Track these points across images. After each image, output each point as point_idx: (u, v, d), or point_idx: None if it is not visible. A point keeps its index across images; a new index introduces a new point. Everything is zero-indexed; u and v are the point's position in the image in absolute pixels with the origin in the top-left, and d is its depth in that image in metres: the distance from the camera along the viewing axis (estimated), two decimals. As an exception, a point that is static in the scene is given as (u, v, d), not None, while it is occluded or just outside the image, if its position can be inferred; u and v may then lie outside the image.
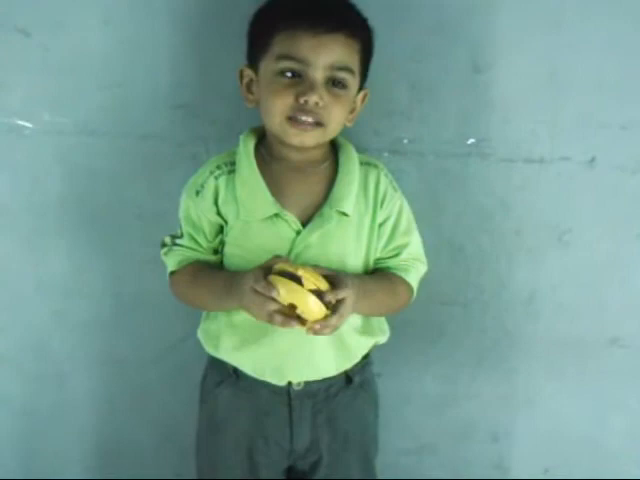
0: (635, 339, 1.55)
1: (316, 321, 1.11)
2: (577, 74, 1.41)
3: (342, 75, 1.19)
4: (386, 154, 1.46)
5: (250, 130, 1.29)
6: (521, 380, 1.60)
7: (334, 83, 1.19)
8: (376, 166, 1.31)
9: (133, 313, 1.59)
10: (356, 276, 1.23)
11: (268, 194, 1.23)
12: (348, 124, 1.28)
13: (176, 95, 1.45)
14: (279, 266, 1.13)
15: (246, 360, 1.30)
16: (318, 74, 1.17)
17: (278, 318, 1.11)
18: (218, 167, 1.27)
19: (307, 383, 1.31)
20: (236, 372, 1.32)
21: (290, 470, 1.39)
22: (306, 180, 1.27)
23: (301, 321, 1.12)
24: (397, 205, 1.30)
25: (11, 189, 1.52)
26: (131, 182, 1.51)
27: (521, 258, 1.52)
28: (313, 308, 1.10)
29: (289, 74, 1.18)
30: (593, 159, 1.44)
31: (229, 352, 1.31)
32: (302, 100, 1.17)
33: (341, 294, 1.13)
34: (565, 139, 1.44)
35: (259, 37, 1.22)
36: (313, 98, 1.17)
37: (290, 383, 1.30)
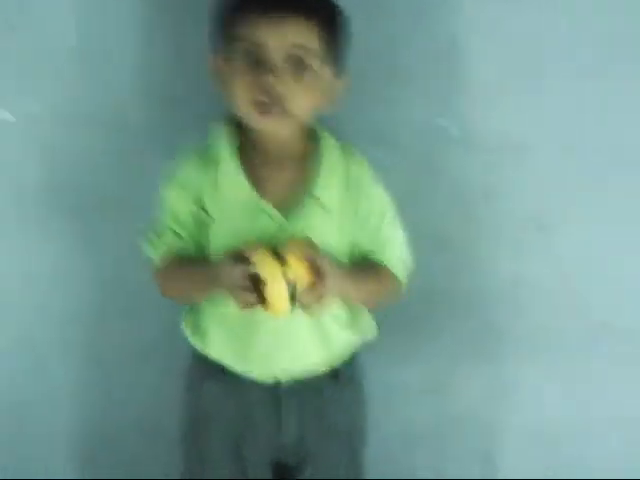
0: (620, 325, 1.55)
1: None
2: (557, 62, 1.40)
3: (299, 53, 1.18)
4: (365, 143, 1.43)
5: (226, 119, 1.29)
6: (507, 369, 1.60)
7: (296, 65, 1.18)
8: (357, 158, 1.30)
9: (117, 304, 1.59)
10: (345, 270, 1.24)
11: (247, 184, 1.23)
12: (324, 107, 1.27)
13: (154, 85, 1.45)
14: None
15: (232, 354, 1.30)
16: (276, 55, 1.17)
17: (240, 293, 1.14)
18: (193, 158, 1.28)
19: (294, 378, 1.30)
20: (222, 367, 1.32)
21: (277, 465, 1.38)
22: (286, 170, 1.26)
23: (261, 300, 1.12)
24: (380, 196, 1.30)
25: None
26: (111, 172, 1.50)
27: (504, 247, 1.52)
28: (279, 296, 1.11)
29: (248, 58, 1.18)
30: (573, 147, 1.44)
31: (215, 346, 1.31)
32: (261, 81, 1.17)
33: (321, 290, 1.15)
34: (546, 127, 1.44)
35: (218, 23, 1.23)
36: (270, 78, 1.17)
37: (277, 377, 1.30)
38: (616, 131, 1.43)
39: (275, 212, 1.23)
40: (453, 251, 1.53)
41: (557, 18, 1.38)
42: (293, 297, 1.12)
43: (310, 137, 1.29)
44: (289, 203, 1.24)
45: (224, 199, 1.24)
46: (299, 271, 1.11)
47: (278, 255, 1.12)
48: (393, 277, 1.32)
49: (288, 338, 1.26)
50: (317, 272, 1.14)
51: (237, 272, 1.14)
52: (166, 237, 1.29)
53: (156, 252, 1.30)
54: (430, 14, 1.39)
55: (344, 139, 1.39)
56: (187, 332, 1.34)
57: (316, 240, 1.22)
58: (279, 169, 1.26)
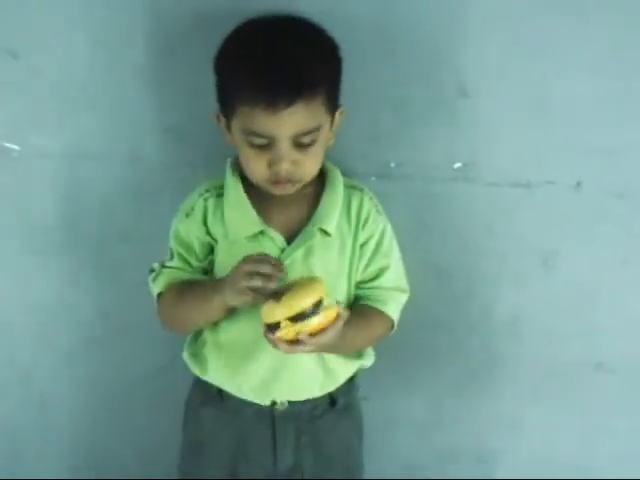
0: (620, 364, 1.56)
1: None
2: (563, 99, 1.40)
3: (309, 138, 1.19)
4: (373, 178, 1.46)
5: (237, 156, 1.29)
6: (507, 403, 1.61)
7: (304, 142, 1.19)
8: (361, 189, 1.33)
9: (119, 336, 1.60)
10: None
11: (253, 213, 1.26)
12: (330, 143, 1.28)
13: (164, 119, 1.45)
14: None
15: (231, 379, 1.31)
16: (284, 144, 1.18)
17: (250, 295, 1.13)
18: (207, 190, 1.30)
19: (291, 404, 1.32)
20: (220, 393, 1.33)
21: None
22: (291, 201, 1.28)
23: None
24: (380, 227, 1.32)
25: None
26: (119, 205, 1.51)
27: (507, 282, 1.52)
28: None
29: (257, 144, 1.19)
30: (579, 184, 1.44)
31: (215, 372, 1.32)
32: (274, 169, 1.19)
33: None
34: (551, 163, 1.44)
35: (223, 97, 1.24)
36: (284, 167, 1.18)
37: (274, 403, 1.31)
38: (622, 168, 1.44)
39: (278, 236, 1.26)
40: (455, 284, 1.54)
41: (563, 62, 1.39)
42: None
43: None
44: (293, 230, 1.28)
45: (231, 227, 1.27)
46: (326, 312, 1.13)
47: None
48: (386, 319, 1.33)
49: (287, 363, 1.27)
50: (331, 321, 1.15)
51: (249, 283, 1.13)
52: (171, 267, 1.30)
53: (162, 281, 1.30)
54: (438, 57, 1.39)
55: (352, 172, 1.42)
56: (187, 360, 1.36)
57: (317, 267, 1.26)
58: (284, 199, 1.28)
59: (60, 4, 1.39)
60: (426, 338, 1.57)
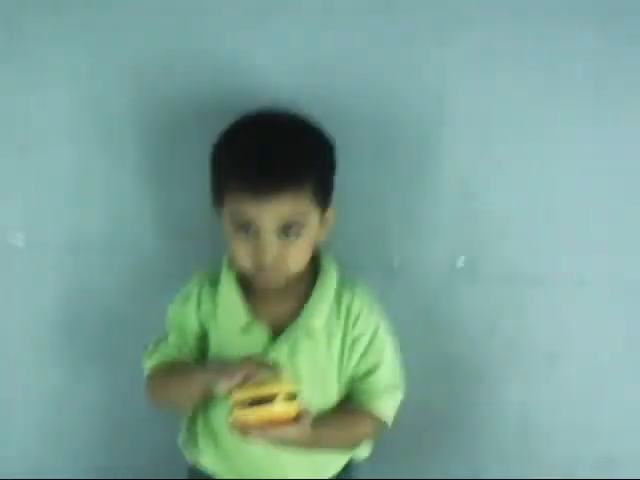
0: (629, 459, 1.54)
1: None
2: (565, 197, 1.42)
3: (293, 231, 1.20)
4: (377, 273, 1.46)
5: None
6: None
7: (290, 231, 1.20)
8: (352, 287, 1.32)
9: (125, 430, 1.59)
10: (318, 426, 1.20)
11: (242, 305, 1.27)
12: (320, 238, 1.29)
13: (165, 212, 1.48)
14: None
15: (222, 468, 1.31)
16: (268, 234, 1.18)
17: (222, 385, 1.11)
18: (202, 280, 1.32)
19: None
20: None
21: None
22: (282, 295, 1.29)
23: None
24: (372, 326, 1.30)
25: (4, 304, 1.53)
26: (125, 299, 1.52)
27: (512, 378, 1.51)
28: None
29: (243, 231, 1.20)
30: (582, 281, 1.45)
31: (207, 460, 1.32)
32: (258, 261, 1.20)
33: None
34: (554, 260, 1.45)
35: (213, 189, 1.26)
36: (267, 259, 1.19)
37: None
38: (626, 265, 1.45)
39: (265, 331, 1.26)
40: (462, 379, 1.53)
41: (564, 163, 1.41)
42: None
43: (312, 263, 1.31)
44: (281, 325, 1.28)
45: (221, 318, 1.28)
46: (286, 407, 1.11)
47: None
48: (374, 418, 1.30)
49: (277, 454, 1.25)
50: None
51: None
52: (169, 348, 1.30)
53: (154, 359, 1.30)
54: (437, 154, 1.41)
55: (356, 267, 1.42)
56: (182, 446, 1.36)
57: (303, 363, 1.26)
58: (276, 293, 1.28)
59: (62, 103, 1.43)
60: (432, 434, 1.55)
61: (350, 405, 1.31)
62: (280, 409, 1.10)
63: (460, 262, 1.46)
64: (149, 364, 1.31)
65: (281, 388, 1.11)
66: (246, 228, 1.19)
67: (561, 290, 1.46)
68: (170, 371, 1.28)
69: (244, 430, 1.11)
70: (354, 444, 1.33)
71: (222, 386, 1.12)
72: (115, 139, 1.44)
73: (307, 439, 1.17)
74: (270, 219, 1.17)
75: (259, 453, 1.25)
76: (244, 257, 1.22)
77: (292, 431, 1.13)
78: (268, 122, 1.24)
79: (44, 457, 1.62)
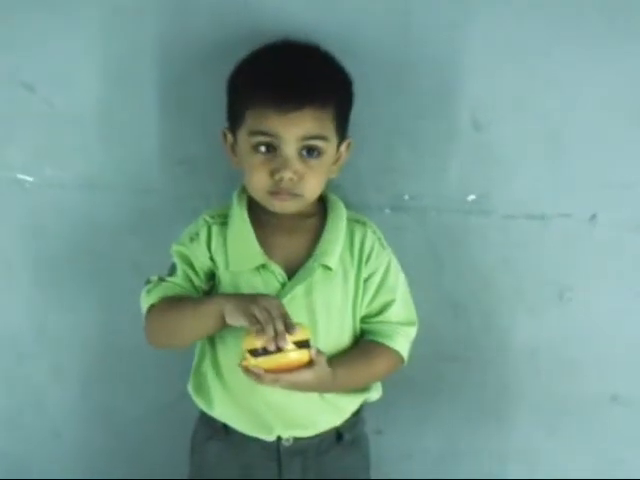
0: (636, 397, 1.54)
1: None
2: (577, 132, 1.40)
3: (315, 143, 1.20)
4: (387, 210, 1.46)
5: (243, 186, 1.31)
6: (522, 436, 1.59)
7: (309, 152, 1.20)
8: (364, 223, 1.32)
9: (131, 367, 1.59)
10: (336, 366, 1.22)
11: (257, 245, 1.26)
12: (333, 175, 1.29)
13: (177, 150, 1.46)
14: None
15: (235, 414, 1.30)
16: (290, 148, 1.19)
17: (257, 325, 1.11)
18: (212, 217, 1.30)
19: (296, 439, 1.30)
20: (225, 427, 1.32)
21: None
22: (294, 234, 1.29)
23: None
24: (384, 262, 1.31)
25: (11, 242, 1.53)
26: (131, 236, 1.51)
27: (522, 315, 1.51)
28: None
29: (263, 148, 1.20)
30: (594, 216, 1.44)
31: (219, 406, 1.31)
32: (277, 177, 1.19)
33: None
34: (566, 196, 1.44)
35: (233, 108, 1.26)
36: (287, 175, 1.19)
37: (279, 438, 1.30)
38: (637, 201, 1.43)
39: (280, 271, 1.25)
40: (471, 316, 1.53)
41: (577, 94, 1.39)
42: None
43: (320, 202, 1.31)
44: (295, 264, 1.27)
45: (233, 258, 1.27)
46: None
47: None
48: (393, 355, 1.31)
49: (291, 398, 1.25)
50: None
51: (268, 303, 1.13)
52: (177, 282, 1.28)
53: (157, 293, 1.27)
54: (450, 89, 1.39)
55: (366, 205, 1.42)
56: (192, 393, 1.35)
57: (319, 302, 1.26)
58: (287, 232, 1.28)
59: (73, 38, 1.41)
60: (441, 371, 1.56)
61: (366, 343, 1.31)
62: (293, 356, 1.11)
63: (471, 198, 1.45)
64: (148, 301, 1.27)
65: (294, 337, 1.11)
66: (266, 139, 1.19)
67: (572, 226, 1.45)
68: (174, 305, 1.24)
69: (258, 376, 1.13)
70: (372, 381, 1.34)
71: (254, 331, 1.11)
72: (126, 77, 1.43)
73: (325, 381, 1.18)
74: (293, 130, 1.17)
75: (272, 396, 1.25)
76: (260, 179, 1.21)
77: (307, 375, 1.14)
78: (292, 48, 1.25)
79: (43, 392, 1.64)
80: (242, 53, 1.26)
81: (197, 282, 1.29)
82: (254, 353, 1.11)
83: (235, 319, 1.14)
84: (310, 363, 1.14)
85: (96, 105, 1.44)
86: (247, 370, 1.13)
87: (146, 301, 1.28)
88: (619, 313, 1.49)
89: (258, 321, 1.10)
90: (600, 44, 1.35)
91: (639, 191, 1.43)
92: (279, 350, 1.10)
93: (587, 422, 1.57)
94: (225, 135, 1.28)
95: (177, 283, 1.28)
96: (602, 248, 1.46)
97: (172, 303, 1.25)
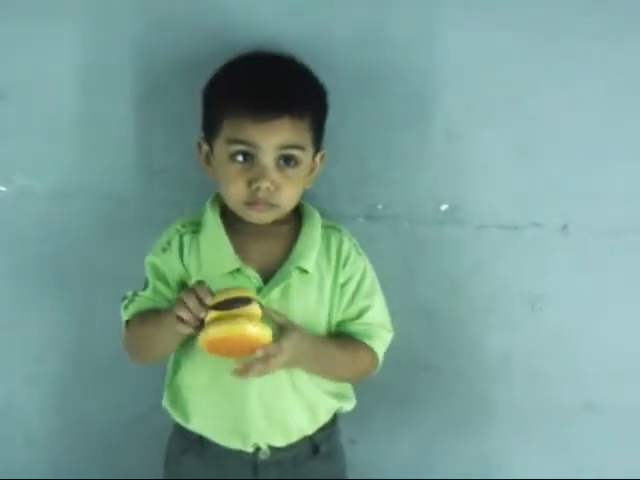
0: (608, 404, 1.55)
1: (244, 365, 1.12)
2: (548, 141, 1.42)
3: (293, 152, 1.21)
4: (361, 219, 1.46)
5: (217, 193, 1.31)
6: (496, 444, 1.60)
7: (286, 161, 1.21)
8: (339, 230, 1.33)
9: (105, 377, 1.59)
10: (314, 336, 1.24)
11: (231, 250, 1.26)
12: (308, 186, 1.30)
13: (151, 160, 1.46)
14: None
15: (212, 424, 1.29)
16: (268, 157, 1.19)
17: (186, 323, 1.11)
18: (183, 226, 1.30)
19: (273, 452, 1.30)
20: (201, 440, 1.31)
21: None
22: (269, 239, 1.29)
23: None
24: (360, 268, 1.31)
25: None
26: (105, 246, 1.51)
27: (494, 324, 1.52)
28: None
29: (240, 157, 1.20)
30: (565, 226, 1.45)
31: (195, 418, 1.30)
32: (254, 186, 1.19)
33: (272, 350, 1.13)
34: (538, 206, 1.45)
35: (209, 118, 1.26)
36: (264, 184, 1.19)
37: (257, 451, 1.29)
38: (608, 210, 1.45)
39: (256, 275, 1.25)
40: (444, 325, 1.53)
41: (548, 104, 1.40)
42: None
43: (295, 211, 1.31)
44: (270, 269, 1.27)
45: (206, 263, 1.26)
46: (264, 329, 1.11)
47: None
48: (371, 354, 1.31)
49: (268, 405, 1.26)
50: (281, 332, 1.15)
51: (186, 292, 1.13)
52: (148, 296, 1.28)
53: (132, 309, 1.28)
54: (423, 99, 1.41)
55: (340, 214, 1.43)
56: (168, 407, 1.34)
57: (295, 306, 1.25)
58: (262, 237, 1.29)
59: (48, 47, 1.40)
60: (414, 380, 1.56)
61: (347, 337, 1.30)
62: (253, 331, 1.10)
63: (444, 207, 1.46)
64: (125, 317, 1.29)
65: (239, 292, 1.11)
66: (244, 148, 1.19)
67: (544, 236, 1.46)
68: (144, 320, 1.26)
69: (241, 372, 1.12)
70: (352, 372, 1.32)
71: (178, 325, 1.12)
72: (100, 85, 1.43)
73: (302, 347, 1.18)
74: (271, 141, 1.18)
75: (252, 400, 1.25)
76: (237, 189, 1.21)
77: (284, 344, 1.14)
78: (267, 58, 1.26)
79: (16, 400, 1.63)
80: (217, 64, 1.27)
81: (169, 294, 1.28)
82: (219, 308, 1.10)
83: (174, 325, 1.14)
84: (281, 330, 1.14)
85: (69, 114, 1.44)
86: (207, 347, 1.12)
87: (123, 318, 1.29)
88: (591, 322, 1.51)
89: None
90: (571, 54, 1.37)
91: (610, 200, 1.44)
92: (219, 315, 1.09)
93: (561, 430, 1.58)
94: (200, 145, 1.28)
95: (149, 297, 1.28)
96: (574, 257, 1.47)
97: (142, 318, 1.26)
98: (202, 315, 1.10)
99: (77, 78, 1.42)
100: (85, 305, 1.56)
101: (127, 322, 1.29)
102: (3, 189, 1.47)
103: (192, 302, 1.10)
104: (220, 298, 1.10)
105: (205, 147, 1.27)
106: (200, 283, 1.13)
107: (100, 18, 1.39)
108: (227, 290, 1.12)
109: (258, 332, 1.10)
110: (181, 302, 1.11)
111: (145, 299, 1.28)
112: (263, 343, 1.11)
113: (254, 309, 1.11)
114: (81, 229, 1.50)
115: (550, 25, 1.36)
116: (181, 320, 1.12)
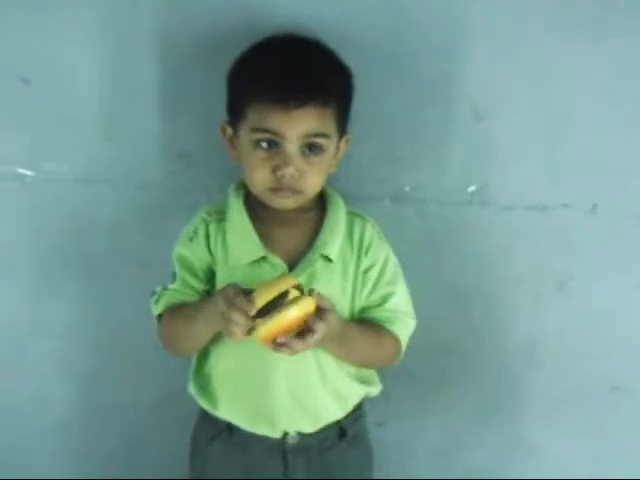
0: (637, 386, 1.54)
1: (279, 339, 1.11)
2: (577, 121, 1.40)
3: (317, 141, 1.20)
4: (387, 202, 1.46)
5: (241, 180, 1.31)
6: (524, 427, 1.60)
7: (310, 148, 1.20)
8: (363, 217, 1.33)
9: (132, 361, 1.59)
10: (342, 319, 1.23)
11: (256, 238, 1.25)
12: (332, 170, 1.29)
13: (176, 144, 1.45)
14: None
15: (240, 410, 1.30)
16: (292, 146, 1.18)
17: (237, 333, 1.11)
18: (209, 214, 1.30)
19: (301, 437, 1.30)
20: (229, 427, 1.32)
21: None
22: (293, 227, 1.29)
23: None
24: (383, 255, 1.31)
25: (12, 237, 1.52)
26: (131, 230, 1.51)
27: (523, 305, 1.51)
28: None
29: (264, 144, 1.20)
30: (594, 206, 1.44)
31: (225, 406, 1.30)
32: (279, 173, 1.19)
33: (316, 326, 1.12)
34: (566, 186, 1.44)
35: (234, 103, 1.25)
36: (289, 171, 1.19)
37: (285, 436, 1.30)
38: (637, 191, 1.43)
39: (280, 262, 1.25)
40: (471, 308, 1.53)
41: (577, 83, 1.39)
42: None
43: (319, 197, 1.31)
44: (294, 257, 1.27)
45: (232, 252, 1.26)
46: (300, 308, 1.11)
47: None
48: (395, 340, 1.30)
49: (296, 389, 1.26)
50: (318, 313, 1.14)
51: (231, 290, 1.13)
52: (177, 288, 1.29)
53: (163, 303, 1.29)
54: (450, 80, 1.39)
55: (367, 196, 1.43)
56: (194, 393, 1.34)
57: (321, 291, 1.21)
58: (287, 225, 1.28)
59: (73, 33, 1.40)
60: (442, 363, 1.56)
61: (371, 323, 1.30)
62: (296, 312, 1.10)
63: (471, 189, 1.45)
64: (159, 307, 1.29)
65: (285, 284, 1.11)
66: (268, 136, 1.18)
67: (573, 216, 1.45)
68: (177, 314, 1.26)
69: (275, 346, 1.11)
70: (375, 360, 1.32)
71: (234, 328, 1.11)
72: (125, 70, 1.42)
73: (337, 331, 1.17)
74: (295, 127, 1.17)
75: (279, 392, 1.26)
76: (261, 175, 1.21)
77: (320, 327, 1.12)
78: (292, 43, 1.25)
79: (49, 385, 1.64)
80: (240, 47, 1.26)
81: (197, 285, 1.29)
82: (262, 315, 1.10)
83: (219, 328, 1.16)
84: (317, 311, 1.13)
85: (95, 100, 1.44)
86: (262, 343, 1.12)
87: (155, 312, 1.30)
88: (620, 303, 1.50)
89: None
90: (599, 33, 1.36)
91: (639, 180, 1.43)
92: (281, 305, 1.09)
93: (588, 412, 1.57)
94: (224, 129, 1.28)
95: (178, 289, 1.29)
96: (603, 238, 1.46)
97: (174, 313, 1.27)
98: (250, 325, 1.10)
99: (101, 63, 1.42)
100: (113, 291, 1.56)
101: (159, 317, 1.30)
102: (30, 173, 1.47)
103: (237, 317, 1.10)
104: (262, 301, 1.10)
105: (229, 131, 1.27)
106: (235, 290, 1.13)
107: (122, 4, 1.38)
108: (265, 286, 1.12)
109: (302, 311, 1.11)
110: (227, 317, 1.11)
111: (175, 292, 1.29)
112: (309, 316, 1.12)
113: (294, 296, 1.11)
114: (107, 214, 1.50)
115: (579, 4, 1.34)
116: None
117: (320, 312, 1.13)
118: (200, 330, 1.23)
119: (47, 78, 1.42)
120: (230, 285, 1.15)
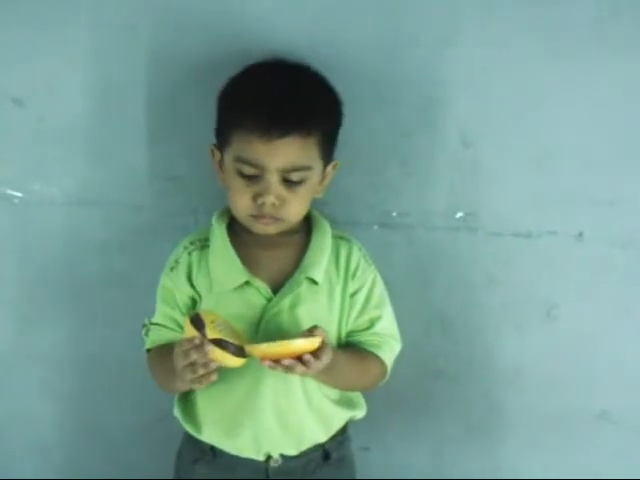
0: (623, 414, 1.55)
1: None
2: (563, 149, 1.41)
3: (298, 175, 1.20)
4: (376, 227, 1.46)
5: (226, 207, 1.31)
6: (509, 453, 1.60)
7: (293, 179, 1.20)
8: (349, 240, 1.33)
9: (120, 384, 1.59)
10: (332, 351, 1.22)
11: (238, 263, 1.25)
12: (318, 195, 1.29)
13: (166, 167, 1.46)
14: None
15: (225, 435, 1.29)
16: (273, 177, 1.19)
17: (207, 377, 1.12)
18: (191, 243, 1.31)
19: (285, 460, 1.30)
20: (213, 450, 1.31)
21: None
22: (278, 250, 1.29)
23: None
24: (370, 278, 1.31)
25: (2, 258, 1.52)
26: (120, 253, 1.51)
27: (509, 332, 1.52)
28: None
29: (246, 174, 1.20)
30: (581, 234, 1.45)
31: (209, 429, 1.30)
32: (259, 201, 1.19)
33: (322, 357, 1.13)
34: (553, 213, 1.45)
35: (221, 128, 1.26)
36: (269, 199, 1.19)
37: (268, 459, 1.29)
38: (624, 218, 1.44)
39: (265, 287, 1.24)
40: (458, 333, 1.53)
41: (564, 111, 1.40)
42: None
43: (304, 219, 1.31)
44: (279, 280, 1.26)
45: (216, 279, 1.26)
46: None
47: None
48: (380, 364, 1.31)
49: (281, 414, 1.26)
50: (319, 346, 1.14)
51: (176, 347, 1.13)
52: (159, 322, 1.30)
53: (150, 338, 1.31)
54: (440, 107, 1.40)
55: (355, 221, 1.44)
56: (180, 418, 1.34)
57: (305, 316, 1.24)
58: (271, 248, 1.28)
59: (65, 54, 1.41)
60: (428, 387, 1.56)
61: (357, 347, 1.30)
62: (302, 343, 1.12)
63: (459, 215, 1.45)
64: (146, 345, 1.31)
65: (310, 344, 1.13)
66: (250, 169, 1.18)
67: (559, 243, 1.45)
68: (159, 361, 1.27)
69: (275, 364, 1.11)
70: (361, 384, 1.33)
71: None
72: (115, 93, 1.43)
73: (329, 363, 1.16)
74: (276, 160, 1.17)
75: (266, 410, 1.25)
76: (243, 202, 1.21)
77: (323, 360, 1.13)
78: (281, 68, 1.25)
79: (30, 407, 1.63)
80: (232, 71, 1.27)
81: (178, 317, 1.29)
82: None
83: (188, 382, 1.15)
84: (318, 350, 1.13)
85: (85, 121, 1.44)
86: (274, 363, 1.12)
87: (145, 345, 1.32)
88: (605, 330, 1.50)
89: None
90: (587, 61, 1.37)
91: (625, 208, 1.44)
92: None
93: (575, 439, 1.57)
94: (213, 152, 1.29)
95: (160, 324, 1.30)
96: (589, 265, 1.47)
97: (159, 357, 1.28)
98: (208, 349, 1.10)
99: (93, 85, 1.42)
100: (100, 312, 1.56)
101: (148, 351, 1.31)
102: (19, 195, 1.48)
103: (195, 355, 1.10)
104: (213, 333, 1.12)
105: (218, 154, 1.27)
106: (179, 343, 1.14)
107: (115, 26, 1.39)
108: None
109: (307, 345, 1.13)
110: (189, 366, 1.12)
111: (158, 327, 1.30)
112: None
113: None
114: (95, 235, 1.50)
115: (566, 32, 1.36)
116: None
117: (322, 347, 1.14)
118: (179, 387, 1.23)
119: (38, 99, 1.43)
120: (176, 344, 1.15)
